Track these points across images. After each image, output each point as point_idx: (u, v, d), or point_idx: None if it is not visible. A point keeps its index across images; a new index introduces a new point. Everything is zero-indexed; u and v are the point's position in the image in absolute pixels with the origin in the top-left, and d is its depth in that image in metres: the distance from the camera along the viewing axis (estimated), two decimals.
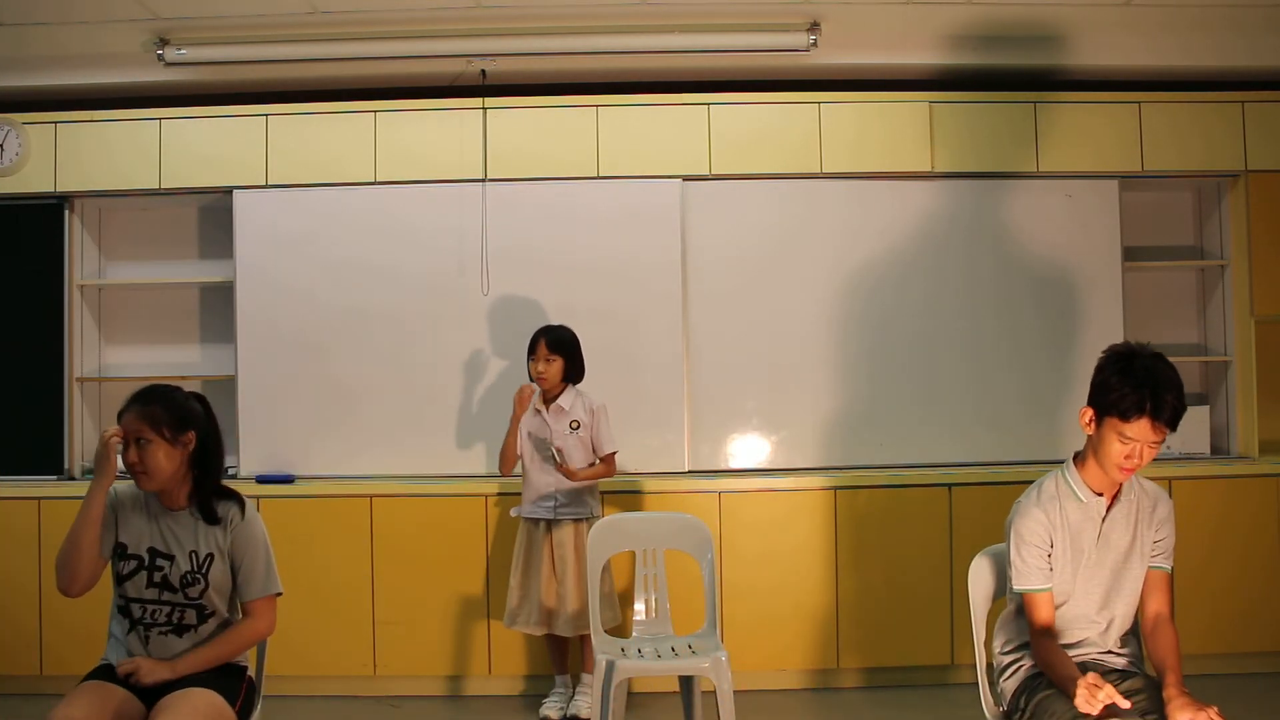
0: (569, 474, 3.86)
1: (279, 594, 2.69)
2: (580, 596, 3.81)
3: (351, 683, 4.26)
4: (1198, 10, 4.26)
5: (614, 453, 3.99)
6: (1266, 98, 4.58)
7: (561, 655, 4.05)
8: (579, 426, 3.93)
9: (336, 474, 4.49)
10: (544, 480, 3.93)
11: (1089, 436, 2.46)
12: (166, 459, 2.57)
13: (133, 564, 2.57)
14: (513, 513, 4.02)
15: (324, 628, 4.20)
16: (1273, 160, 4.56)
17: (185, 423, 2.61)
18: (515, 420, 3.97)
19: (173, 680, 2.46)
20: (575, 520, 3.90)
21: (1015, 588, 2.50)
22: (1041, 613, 2.46)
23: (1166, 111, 4.57)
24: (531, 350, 3.94)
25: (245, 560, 2.61)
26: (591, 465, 3.95)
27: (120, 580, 2.57)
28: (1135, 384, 2.36)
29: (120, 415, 2.63)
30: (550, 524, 3.91)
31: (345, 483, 4.39)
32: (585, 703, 3.93)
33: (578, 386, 4.00)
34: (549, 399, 3.96)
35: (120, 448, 2.59)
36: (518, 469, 4.02)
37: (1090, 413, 2.44)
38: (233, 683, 2.57)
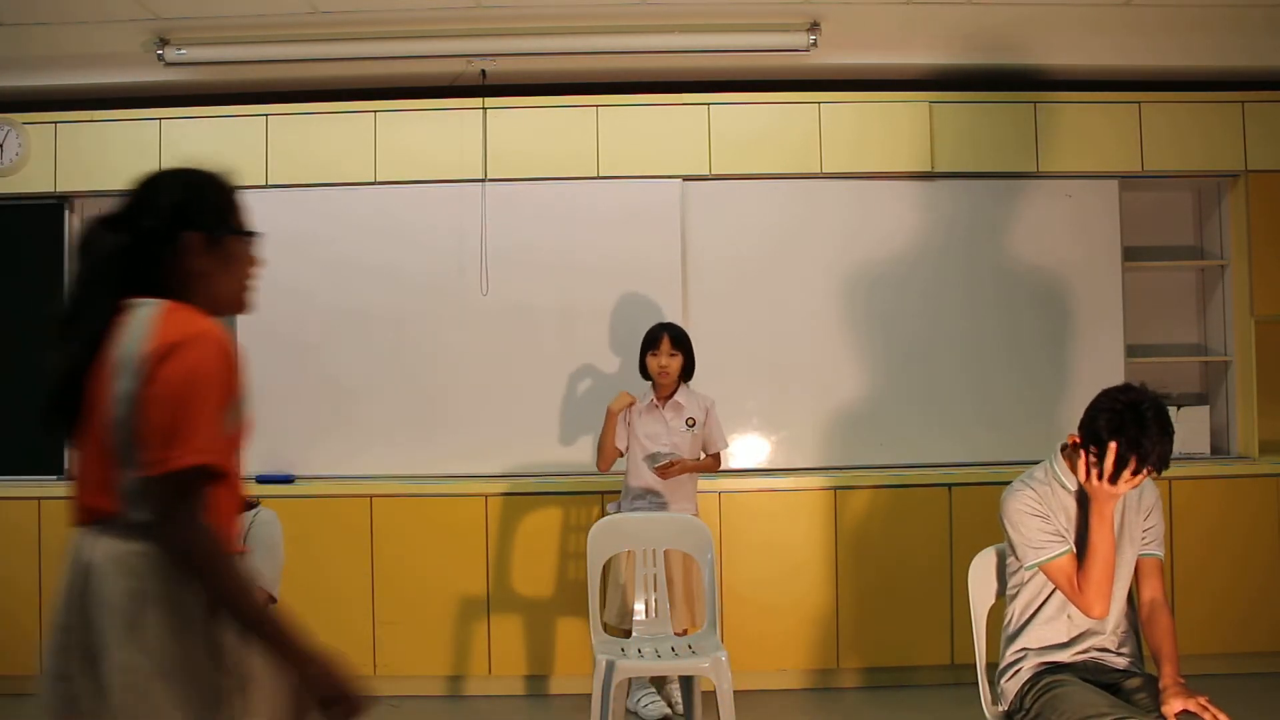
0: (665, 473, 3.82)
1: (269, 595, 2.74)
2: (686, 591, 3.79)
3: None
4: (1198, 10, 4.26)
5: (719, 451, 4.00)
6: (1266, 98, 4.58)
7: None
8: (695, 424, 3.92)
9: (336, 474, 4.49)
10: (652, 478, 3.88)
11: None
12: None
13: None
14: (610, 509, 3.99)
15: (324, 628, 4.17)
16: (1273, 160, 4.56)
17: None
18: (613, 417, 3.88)
19: None
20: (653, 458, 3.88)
21: (1029, 564, 2.49)
22: (1070, 573, 2.44)
23: (1166, 111, 4.57)
24: (653, 345, 3.90)
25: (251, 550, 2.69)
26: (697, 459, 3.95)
27: None
28: (1121, 453, 2.35)
29: None
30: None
31: (345, 483, 4.39)
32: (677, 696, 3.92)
33: (689, 383, 3.98)
34: (665, 395, 3.93)
35: None
36: (619, 465, 3.98)
37: (1076, 440, 2.46)
38: None
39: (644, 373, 3.95)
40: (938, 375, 4.57)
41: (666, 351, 3.88)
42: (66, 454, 4.54)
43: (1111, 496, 2.39)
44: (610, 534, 3.54)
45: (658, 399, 3.93)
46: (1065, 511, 2.52)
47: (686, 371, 3.94)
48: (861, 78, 4.67)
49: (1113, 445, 2.34)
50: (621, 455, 3.94)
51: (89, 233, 1.76)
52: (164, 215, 1.76)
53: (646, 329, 3.95)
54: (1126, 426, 2.34)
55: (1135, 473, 2.35)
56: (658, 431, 3.90)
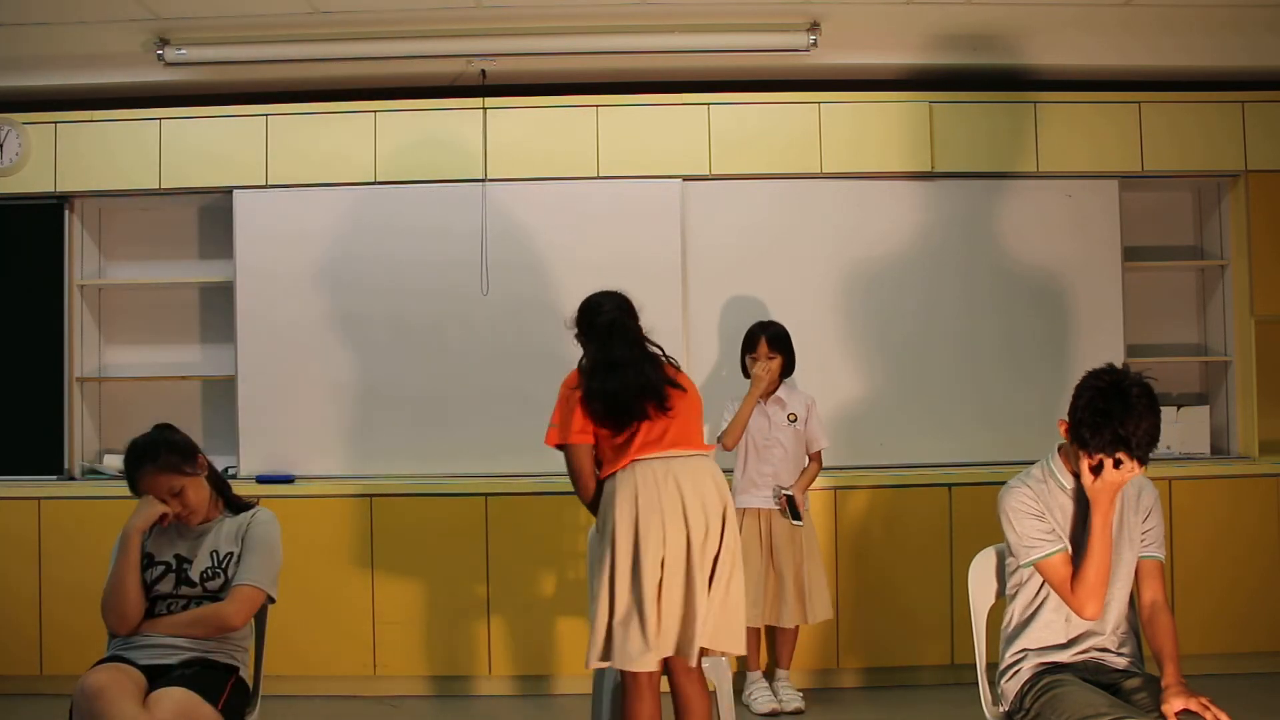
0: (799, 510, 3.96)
1: (268, 594, 2.77)
2: (798, 586, 3.90)
3: (351, 683, 4.26)
4: (1197, 10, 4.26)
5: (820, 449, 4.09)
6: (1266, 98, 4.58)
7: (758, 649, 4.09)
8: (796, 419, 4.02)
9: (336, 474, 4.49)
10: (762, 471, 3.98)
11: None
12: (199, 490, 2.77)
13: (160, 569, 2.74)
14: None
15: (324, 628, 4.20)
16: (1273, 160, 4.56)
17: (191, 451, 2.78)
18: (752, 398, 3.99)
19: (162, 675, 2.57)
20: (774, 489, 3.97)
21: (1024, 562, 2.50)
22: (1064, 573, 2.46)
23: (1166, 111, 4.57)
24: (751, 346, 4.03)
25: (249, 550, 2.75)
26: (803, 469, 4.05)
27: (149, 585, 2.72)
28: (1103, 424, 2.36)
29: (137, 482, 2.76)
30: (768, 514, 3.96)
31: (345, 483, 4.39)
32: (795, 697, 3.99)
33: (789, 380, 4.09)
34: (766, 393, 4.01)
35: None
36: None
37: (1065, 425, 2.48)
38: (217, 679, 2.62)
39: (745, 372, 4.07)
40: (938, 375, 4.57)
41: (765, 354, 4.00)
42: (66, 454, 4.55)
43: (1113, 490, 2.39)
44: None
45: (760, 395, 4.01)
46: (1062, 510, 2.53)
47: (789, 369, 4.05)
48: (861, 78, 4.67)
49: (1100, 456, 2.36)
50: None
51: (620, 318, 3.12)
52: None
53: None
54: (1110, 404, 2.34)
55: (1127, 458, 2.35)
56: (761, 426, 4.01)
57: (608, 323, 3.10)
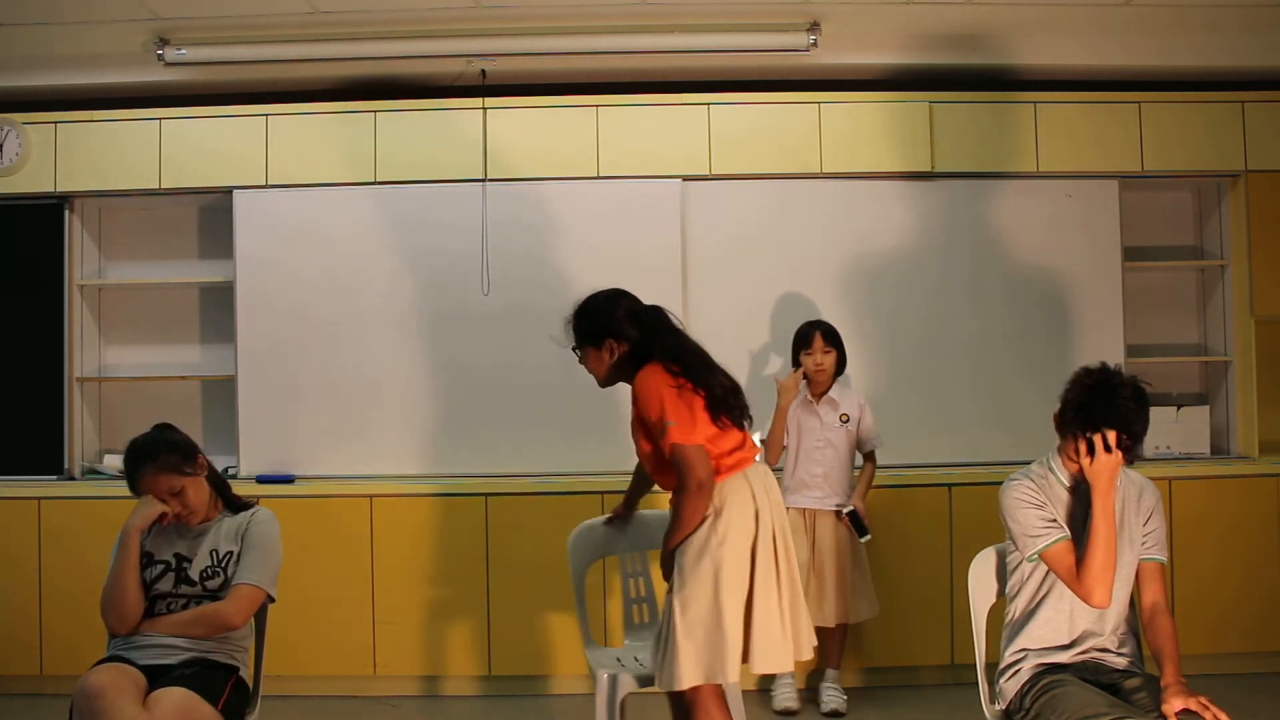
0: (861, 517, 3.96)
1: (267, 594, 2.77)
2: (841, 585, 3.90)
3: (351, 683, 4.26)
4: (1198, 10, 4.27)
5: (874, 449, 4.09)
6: (1266, 98, 4.58)
7: None
8: (848, 419, 4.01)
9: (336, 474, 4.49)
10: (813, 472, 3.97)
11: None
12: (199, 490, 2.77)
13: (160, 568, 2.74)
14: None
15: (324, 628, 4.20)
16: (1273, 160, 4.56)
17: (191, 451, 2.78)
18: (783, 409, 4.00)
19: (162, 675, 2.57)
20: (836, 510, 3.97)
21: (1029, 554, 2.52)
22: (1068, 561, 2.47)
23: (1166, 111, 4.57)
24: (806, 344, 4.02)
25: (248, 549, 2.76)
26: (859, 473, 4.06)
27: (148, 584, 2.72)
28: (1086, 417, 2.45)
29: (137, 481, 2.76)
30: (813, 514, 3.97)
31: (345, 483, 4.39)
32: (836, 698, 3.96)
33: (842, 378, 4.10)
34: (819, 392, 4.01)
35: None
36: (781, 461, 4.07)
37: (1056, 419, 2.56)
38: (217, 679, 2.62)
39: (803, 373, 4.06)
40: (937, 375, 4.57)
41: (820, 349, 4.00)
42: (66, 454, 4.55)
43: (1109, 469, 2.41)
44: (591, 540, 3.38)
45: (812, 395, 4.02)
46: (1061, 504, 2.54)
47: (841, 367, 4.05)
48: (861, 78, 4.67)
49: (1093, 434, 2.42)
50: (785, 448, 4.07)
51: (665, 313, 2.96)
52: None
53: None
54: (1094, 399, 2.43)
55: (1116, 442, 2.40)
56: (813, 427, 4.01)
57: (663, 319, 2.93)
